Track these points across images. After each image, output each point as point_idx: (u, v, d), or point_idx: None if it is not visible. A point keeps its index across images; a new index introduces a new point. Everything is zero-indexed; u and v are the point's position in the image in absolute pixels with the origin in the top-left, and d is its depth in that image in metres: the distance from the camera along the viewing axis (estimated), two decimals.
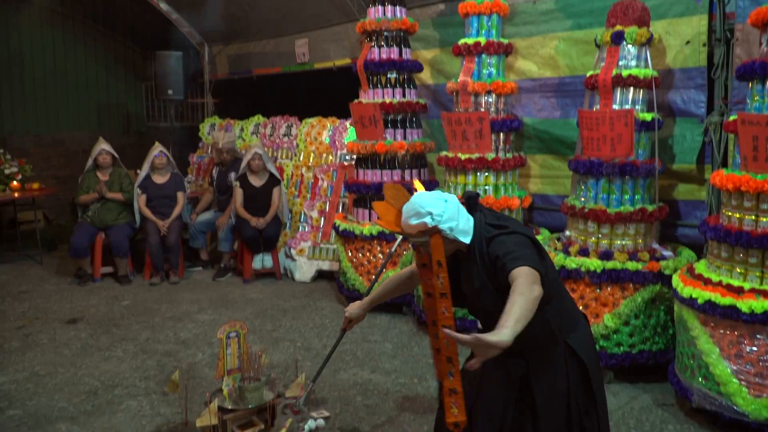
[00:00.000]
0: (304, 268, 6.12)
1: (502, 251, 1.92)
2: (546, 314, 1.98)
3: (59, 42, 8.52)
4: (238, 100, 8.51)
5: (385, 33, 5.08)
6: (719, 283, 3.15)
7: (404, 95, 5.12)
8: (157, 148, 6.28)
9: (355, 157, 5.41)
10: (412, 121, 5.16)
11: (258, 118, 7.48)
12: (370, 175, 5.10)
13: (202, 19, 8.07)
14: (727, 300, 2.99)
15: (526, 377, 2.10)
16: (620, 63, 3.83)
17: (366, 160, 5.15)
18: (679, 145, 4.13)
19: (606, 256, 3.71)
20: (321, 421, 3.26)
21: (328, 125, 6.70)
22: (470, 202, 2.09)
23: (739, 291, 3.03)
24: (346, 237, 5.11)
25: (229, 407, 3.11)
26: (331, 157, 6.55)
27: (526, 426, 2.10)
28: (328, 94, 6.79)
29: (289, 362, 4.04)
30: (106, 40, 8.93)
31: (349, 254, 5.12)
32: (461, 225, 2.00)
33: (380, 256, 4.95)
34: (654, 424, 3.26)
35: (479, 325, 2.32)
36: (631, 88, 3.82)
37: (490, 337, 1.64)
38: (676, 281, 3.34)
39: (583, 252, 3.80)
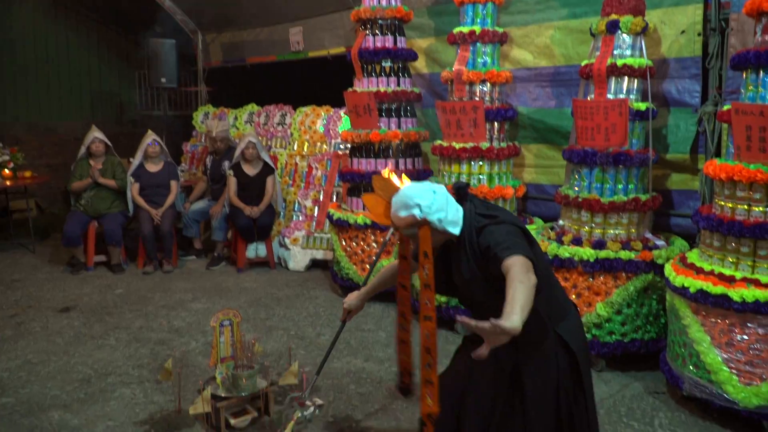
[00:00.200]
0: (298, 257, 6.12)
1: (493, 241, 1.93)
2: (536, 303, 1.98)
3: (51, 30, 8.45)
4: (232, 89, 8.47)
5: (380, 21, 5.05)
6: (711, 273, 3.16)
7: (399, 84, 5.10)
8: (150, 137, 6.24)
9: (349, 146, 5.39)
10: (406, 110, 5.15)
11: (252, 107, 7.45)
12: (365, 164, 5.09)
13: (196, 7, 8.02)
14: (718, 289, 3.01)
15: (516, 369, 2.11)
16: (615, 52, 3.82)
17: (360, 149, 5.14)
18: (673, 134, 4.13)
19: (599, 245, 3.72)
20: (314, 409, 3.27)
21: (323, 114, 6.68)
22: (460, 192, 2.09)
23: (730, 280, 3.05)
24: (340, 226, 5.10)
25: (223, 395, 3.12)
26: (325, 146, 6.53)
27: (515, 418, 2.11)
28: (322, 82, 6.76)
29: (283, 350, 4.04)
30: (99, 28, 8.86)
31: (343, 243, 5.12)
32: (450, 216, 2.00)
33: (374, 245, 4.95)
34: (645, 412, 3.28)
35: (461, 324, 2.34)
36: (626, 78, 3.81)
37: (505, 323, 1.65)
38: (669, 270, 3.35)
39: (577, 241, 3.81)
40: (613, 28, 3.81)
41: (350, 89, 5.18)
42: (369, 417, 3.25)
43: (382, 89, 5.02)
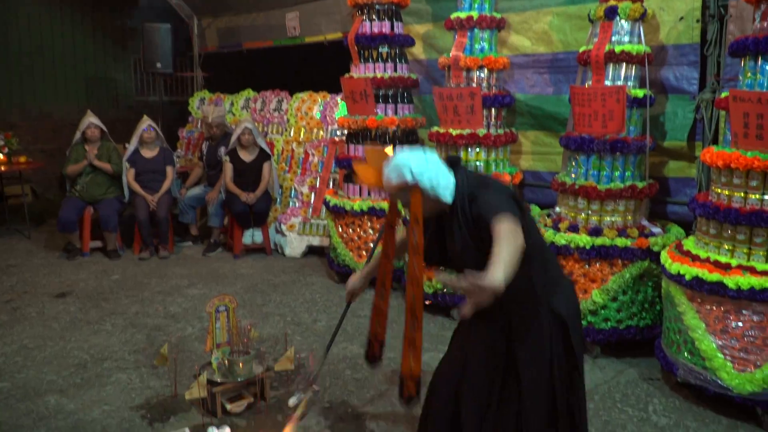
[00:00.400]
0: (294, 244, 6.11)
1: (484, 208, 1.93)
2: (529, 271, 2.00)
3: (46, 13, 8.36)
4: (228, 74, 8.42)
5: (377, 7, 5.01)
6: (707, 260, 3.17)
7: (396, 70, 5.07)
8: (146, 122, 6.21)
9: (345, 132, 5.37)
10: (403, 96, 5.12)
11: (248, 93, 7.41)
12: (361, 151, 5.07)
13: None
14: (714, 276, 3.01)
15: (511, 353, 2.11)
16: (613, 38, 3.80)
17: (357, 136, 5.12)
18: (670, 122, 4.12)
19: (595, 232, 3.72)
20: (310, 394, 3.28)
21: (319, 100, 6.65)
22: (452, 162, 2.11)
23: (726, 267, 3.05)
24: (337, 212, 5.09)
25: (219, 380, 3.12)
26: (321, 132, 6.50)
27: (511, 404, 2.12)
28: (319, 68, 6.71)
29: (279, 336, 4.05)
30: (94, 13, 8.77)
31: (340, 230, 5.11)
32: (442, 182, 2.01)
33: (370, 231, 4.94)
34: (639, 398, 3.30)
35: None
36: (624, 64, 3.79)
37: (484, 279, 1.66)
38: (665, 257, 3.36)
39: (573, 228, 3.81)
40: (611, 14, 3.79)
41: (347, 75, 5.15)
42: (365, 403, 3.26)
43: (378, 75, 4.99)
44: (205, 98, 7.77)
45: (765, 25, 3.09)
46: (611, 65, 3.80)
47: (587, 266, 3.73)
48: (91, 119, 6.11)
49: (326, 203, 5.24)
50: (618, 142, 3.72)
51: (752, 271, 2.98)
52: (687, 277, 3.12)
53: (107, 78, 9.01)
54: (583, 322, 3.72)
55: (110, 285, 5.17)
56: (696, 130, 4.02)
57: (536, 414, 2.08)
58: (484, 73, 4.52)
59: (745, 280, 2.92)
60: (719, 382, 3.04)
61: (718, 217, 3.15)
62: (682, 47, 4.00)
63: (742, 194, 3.11)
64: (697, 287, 3.08)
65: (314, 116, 6.59)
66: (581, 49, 3.95)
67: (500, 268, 1.70)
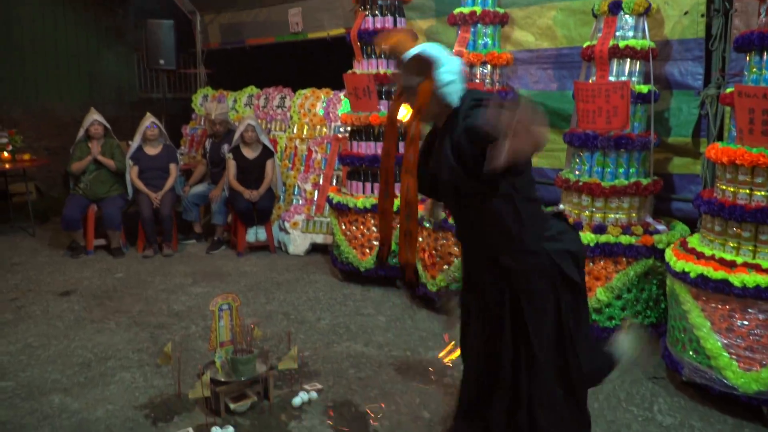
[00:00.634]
0: (297, 242, 6.10)
1: (480, 117, 1.91)
2: (521, 211, 2.06)
3: (49, 10, 8.35)
4: (231, 71, 8.40)
5: (380, 2, 4.98)
6: (712, 257, 3.14)
7: None
8: (149, 119, 6.20)
9: (349, 129, 5.35)
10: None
11: (251, 89, 7.39)
12: (364, 148, 5.06)
13: None
14: (719, 274, 2.99)
15: (514, 304, 2.14)
16: (617, 33, 3.77)
17: (360, 132, 5.10)
18: (675, 118, 4.09)
19: (599, 229, 3.70)
20: (314, 394, 3.28)
21: (322, 96, 6.63)
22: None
23: (731, 265, 3.03)
24: (340, 210, 5.08)
25: (222, 379, 3.12)
26: (325, 129, 6.49)
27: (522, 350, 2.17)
28: (322, 64, 6.69)
29: (282, 335, 4.05)
30: (97, 9, 8.76)
31: (343, 227, 5.10)
32: (455, 82, 2.05)
33: (374, 229, 4.93)
34: (644, 397, 3.28)
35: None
36: (628, 60, 3.76)
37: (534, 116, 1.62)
38: (669, 255, 3.33)
39: (577, 226, 3.78)
40: (615, 8, 3.75)
41: (350, 71, 5.13)
42: (368, 401, 3.25)
43: (381, 71, 4.96)
44: (208, 95, 7.76)
45: None
46: (615, 60, 3.77)
47: (591, 264, 3.71)
48: (94, 116, 6.10)
49: (329, 200, 5.23)
50: (622, 139, 3.70)
51: (758, 269, 2.95)
52: (692, 275, 3.10)
53: (111, 75, 8.99)
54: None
55: (114, 283, 5.17)
56: (701, 126, 3.99)
57: (547, 364, 2.14)
58: (488, 69, 4.49)
59: (751, 278, 2.90)
60: (725, 381, 3.02)
61: (723, 214, 3.13)
62: (687, 42, 3.96)
63: (748, 191, 3.08)
64: (702, 285, 3.06)
65: (317, 113, 6.57)
66: (585, 45, 3.92)
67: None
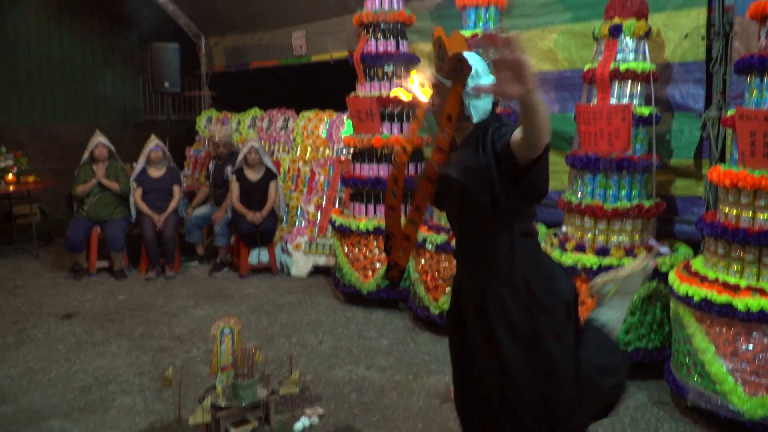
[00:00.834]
0: (300, 263, 6.10)
1: (501, 134, 1.90)
2: (516, 248, 2.04)
3: (55, 33, 8.47)
4: (235, 93, 8.47)
5: (382, 25, 5.03)
6: (716, 281, 3.12)
7: None
8: (153, 142, 6.24)
9: (351, 151, 5.37)
10: (409, 114, 5.12)
11: (255, 111, 7.44)
12: (367, 170, 5.07)
13: (199, 11, 8.02)
14: (723, 298, 2.97)
15: (487, 324, 2.12)
16: (618, 56, 3.79)
17: (363, 154, 5.12)
18: (676, 140, 4.09)
19: (602, 252, 3.69)
20: (315, 419, 3.25)
21: (325, 119, 6.66)
22: (495, 102, 2.13)
23: (735, 288, 3.01)
24: (343, 232, 5.08)
25: (223, 405, 3.10)
26: (328, 151, 6.51)
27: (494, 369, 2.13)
28: (325, 86, 6.74)
29: (284, 358, 4.02)
30: (103, 32, 8.87)
31: (345, 249, 5.09)
32: (481, 98, 2.03)
33: (376, 251, 4.92)
34: (649, 423, 3.24)
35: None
36: (629, 82, 3.77)
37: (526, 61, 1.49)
38: (673, 278, 3.31)
39: (580, 248, 3.77)
40: (616, 31, 3.78)
41: (352, 94, 5.16)
42: (370, 426, 3.22)
43: (384, 94, 4.99)
44: (213, 117, 7.82)
45: None
46: (616, 83, 3.79)
47: None
48: (99, 139, 6.15)
49: (332, 222, 5.23)
50: (624, 161, 3.69)
51: (762, 292, 2.93)
52: (695, 298, 3.07)
53: (116, 97, 9.09)
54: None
55: (116, 306, 5.17)
56: (703, 148, 3.98)
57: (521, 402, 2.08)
58: None
59: (755, 302, 2.88)
60: (730, 406, 2.98)
61: (726, 237, 3.11)
62: (688, 65, 3.98)
63: (751, 213, 3.07)
64: (706, 309, 3.03)
65: (320, 135, 6.60)
66: (586, 67, 3.94)
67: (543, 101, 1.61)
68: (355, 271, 4.99)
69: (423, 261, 4.50)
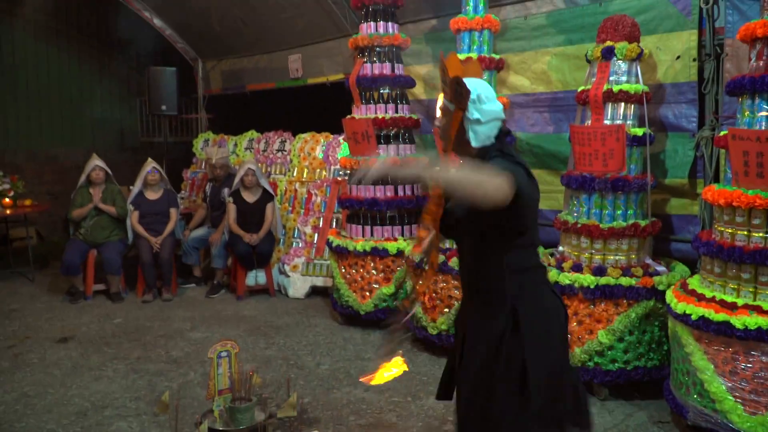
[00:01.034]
0: (297, 285, 6.09)
1: (495, 166, 1.90)
2: (507, 259, 2.01)
3: (53, 56, 8.53)
4: (232, 116, 8.52)
5: (378, 49, 5.09)
6: (713, 299, 3.13)
7: (397, 110, 5.12)
8: (150, 165, 6.26)
9: (348, 172, 5.39)
10: (405, 136, 5.16)
11: (252, 134, 7.48)
12: (363, 191, 5.09)
13: (196, 35, 8.10)
14: (720, 316, 2.97)
15: (465, 339, 2.14)
16: (611, 78, 3.84)
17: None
18: (671, 159, 4.13)
19: (599, 271, 3.70)
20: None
21: (322, 140, 6.70)
22: (505, 131, 2.10)
23: (732, 307, 3.02)
24: (340, 253, 5.08)
25: (220, 429, 3.07)
26: (324, 173, 6.54)
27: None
28: (321, 109, 6.79)
29: (282, 381, 4.00)
30: (101, 56, 8.94)
31: (343, 270, 5.09)
32: (483, 127, 2.02)
33: (373, 272, 4.92)
34: None
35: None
36: (623, 104, 3.82)
37: (433, 165, 1.79)
38: (670, 297, 3.32)
39: (577, 268, 3.78)
40: (608, 54, 3.83)
41: (348, 116, 5.20)
42: None
43: (380, 116, 5.03)
44: (209, 139, 7.85)
45: (760, 64, 3.12)
46: (610, 104, 3.83)
47: (592, 306, 3.69)
48: (96, 162, 6.16)
49: (329, 244, 5.24)
50: (619, 181, 3.72)
51: (759, 310, 2.94)
52: (693, 317, 3.08)
53: (113, 120, 9.13)
54: (590, 364, 3.66)
55: (113, 329, 5.14)
56: (697, 168, 4.02)
57: (469, 416, 2.08)
58: None
59: (753, 320, 2.88)
60: (730, 425, 2.97)
61: (722, 256, 3.13)
62: (680, 86, 4.03)
63: (746, 232, 3.09)
64: (703, 327, 3.04)
65: (317, 156, 6.64)
66: (580, 89, 3.99)
67: (453, 171, 1.74)
68: (353, 292, 4.98)
69: (420, 282, 4.50)
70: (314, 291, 6.09)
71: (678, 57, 4.00)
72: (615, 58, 3.82)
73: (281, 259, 6.26)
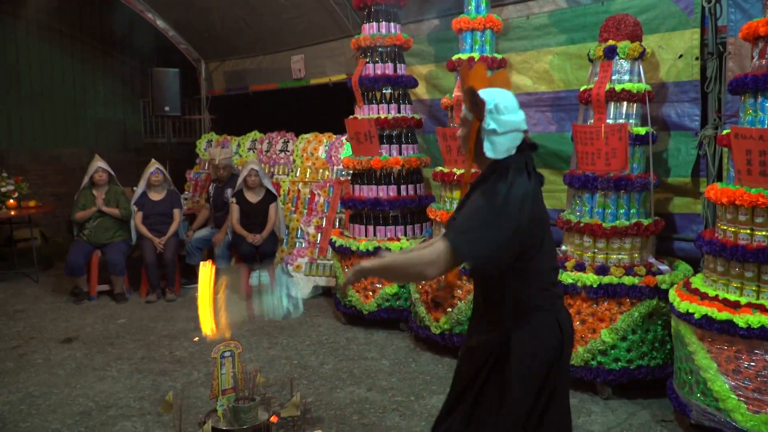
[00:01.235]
0: (301, 285, 6.09)
1: (462, 214, 1.93)
2: (508, 291, 2.00)
3: (57, 58, 8.55)
4: (235, 116, 8.53)
5: (380, 49, 5.09)
6: (716, 298, 3.13)
7: (399, 111, 5.12)
8: (153, 166, 6.28)
9: (351, 172, 5.40)
10: (407, 136, 5.16)
11: (255, 134, 7.49)
12: (366, 191, 5.10)
13: (199, 36, 8.11)
14: (723, 315, 2.97)
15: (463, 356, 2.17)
16: (613, 77, 3.84)
17: (362, 176, 5.15)
18: (673, 158, 4.13)
19: (602, 270, 3.70)
20: None
21: (325, 141, 6.71)
22: (530, 145, 2.04)
23: (735, 306, 3.02)
24: (343, 253, 5.09)
25: (224, 428, 3.08)
26: (327, 173, 6.55)
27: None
28: (324, 109, 6.80)
29: (285, 381, 4.01)
30: (104, 57, 8.97)
31: (346, 270, 5.10)
32: (500, 134, 1.96)
33: None
34: None
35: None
36: (625, 102, 3.82)
37: (363, 262, 1.93)
38: (673, 296, 3.32)
39: (580, 267, 3.78)
40: (610, 53, 3.83)
41: (351, 116, 5.21)
42: None
43: (382, 116, 5.04)
44: (213, 140, 7.87)
45: (763, 62, 3.12)
46: (612, 103, 3.83)
47: (595, 305, 3.69)
48: (99, 163, 6.18)
49: (332, 244, 5.25)
50: (622, 180, 3.72)
51: (762, 309, 2.94)
52: (696, 315, 3.08)
53: (117, 121, 9.15)
54: (593, 363, 3.66)
55: (117, 329, 5.15)
56: (699, 166, 4.02)
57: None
58: None
59: (756, 319, 2.88)
60: (734, 424, 2.97)
61: (725, 255, 3.13)
62: (683, 84, 4.03)
63: (749, 231, 3.09)
64: (706, 326, 3.04)
65: (320, 157, 6.65)
66: (582, 88, 3.99)
67: (386, 262, 1.86)
68: (356, 292, 4.99)
69: (423, 281, 4.50)
70: (317, 291, 6.09)
71: (680, 56, 4.00)
72: (617, 57, 3.82)
73: (284, 259, 6.27)
